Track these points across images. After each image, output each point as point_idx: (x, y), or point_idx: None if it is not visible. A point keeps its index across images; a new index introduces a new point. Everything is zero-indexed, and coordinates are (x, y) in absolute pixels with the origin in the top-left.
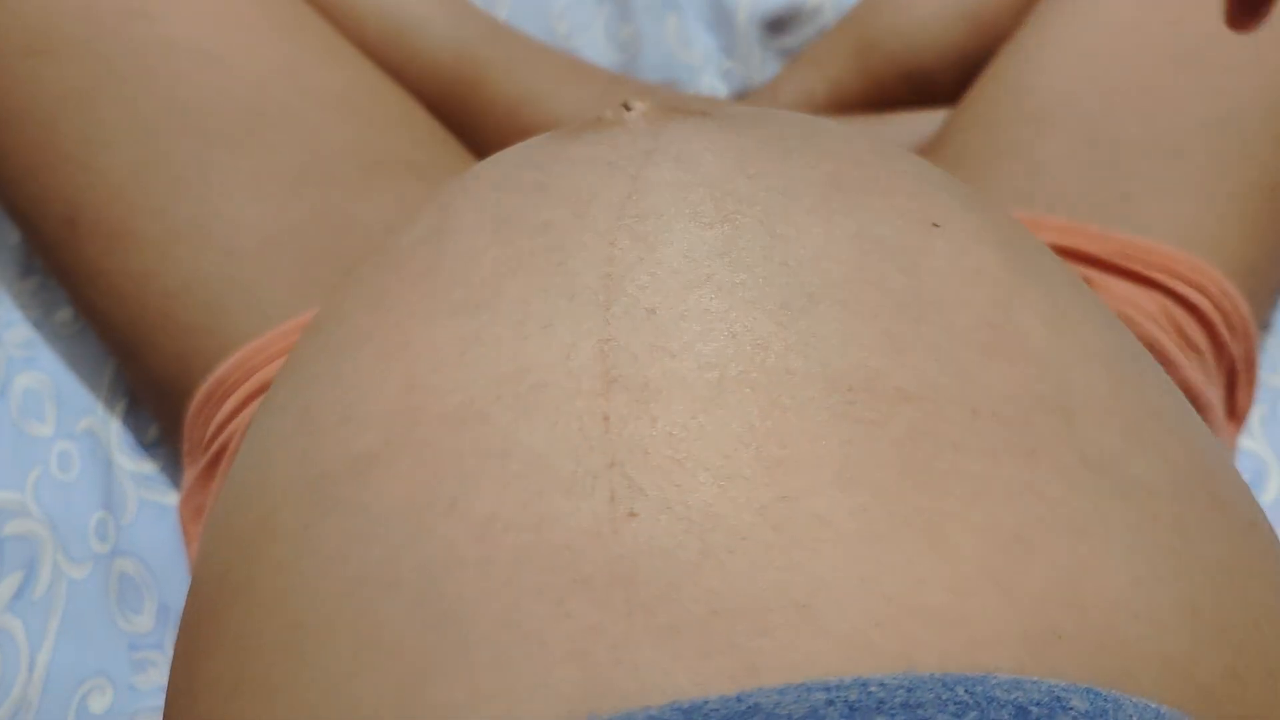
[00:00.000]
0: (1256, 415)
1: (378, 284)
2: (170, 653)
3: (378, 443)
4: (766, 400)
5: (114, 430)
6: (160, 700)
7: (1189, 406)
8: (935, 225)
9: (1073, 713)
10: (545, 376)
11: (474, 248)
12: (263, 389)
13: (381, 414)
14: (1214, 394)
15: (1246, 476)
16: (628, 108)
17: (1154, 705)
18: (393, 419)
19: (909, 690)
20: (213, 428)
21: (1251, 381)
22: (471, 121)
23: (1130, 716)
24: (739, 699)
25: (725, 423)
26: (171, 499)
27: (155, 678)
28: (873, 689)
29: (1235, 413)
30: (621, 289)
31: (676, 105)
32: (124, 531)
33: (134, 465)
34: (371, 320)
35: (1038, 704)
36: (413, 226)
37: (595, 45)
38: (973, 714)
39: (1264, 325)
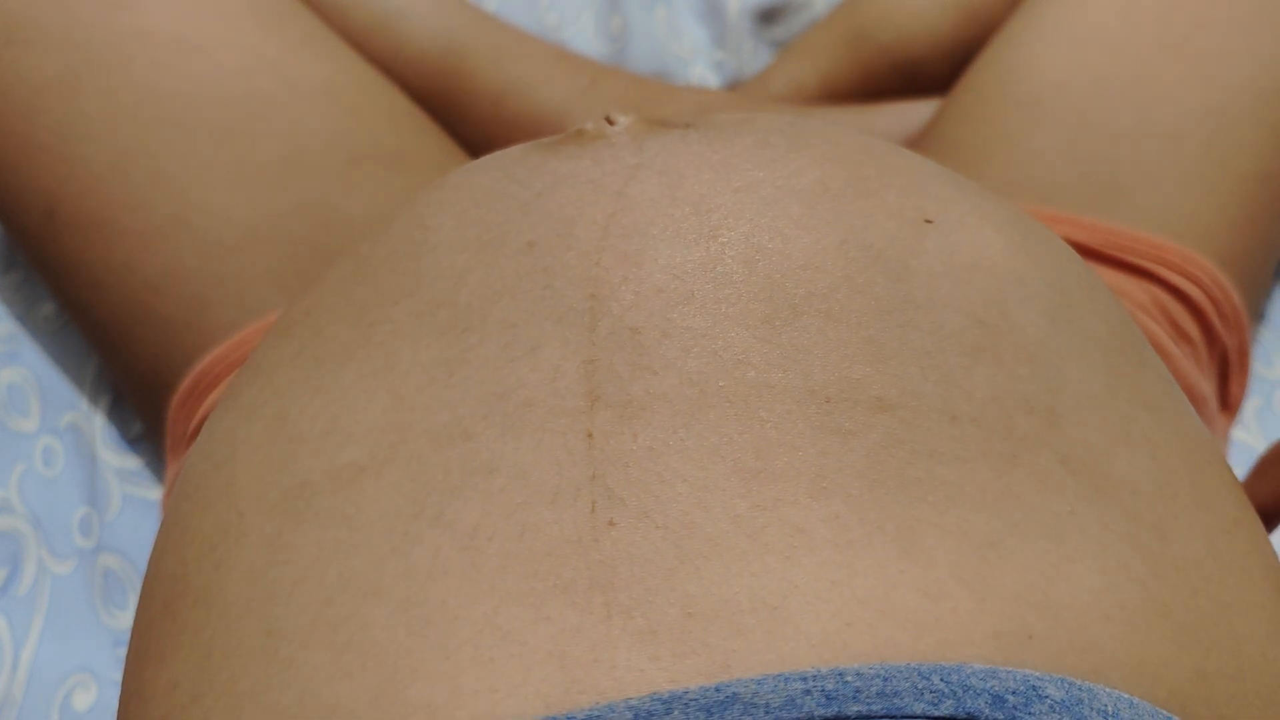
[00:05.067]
0: (1251, 407)
1: (357, 297)
2: None
3: (363, 456)
4: (745, 414)
5: (98, 425)
6: None
7: (1184, 399)
8: (927, 221)
9: (1049, 701)
10: (531, 396)
11: (456, 267)
12: None
13: (367, 429)
14: (1207, 385)
15: (1239, 469)
16: (611, 121)
17: (1127, 695)
18: (379, 434)
19: (885, 680)
20: (195, 422)
21: (1245, 372)
22: (457, 113)
23: (1105, 705)
24: (717, 689)
25: (704, 437)
26: (156, 494)
27: None
28: (849, 678)
29: (1228, 404)
30: (606, 309)
31: (660, 117)
32: (108, 527)
33: (118, 461)
34: (353, 335)
35: (1014, 692)
36: (388, 236)
37: (584, 36)
38: (949, 702)
39: (1258, 316)
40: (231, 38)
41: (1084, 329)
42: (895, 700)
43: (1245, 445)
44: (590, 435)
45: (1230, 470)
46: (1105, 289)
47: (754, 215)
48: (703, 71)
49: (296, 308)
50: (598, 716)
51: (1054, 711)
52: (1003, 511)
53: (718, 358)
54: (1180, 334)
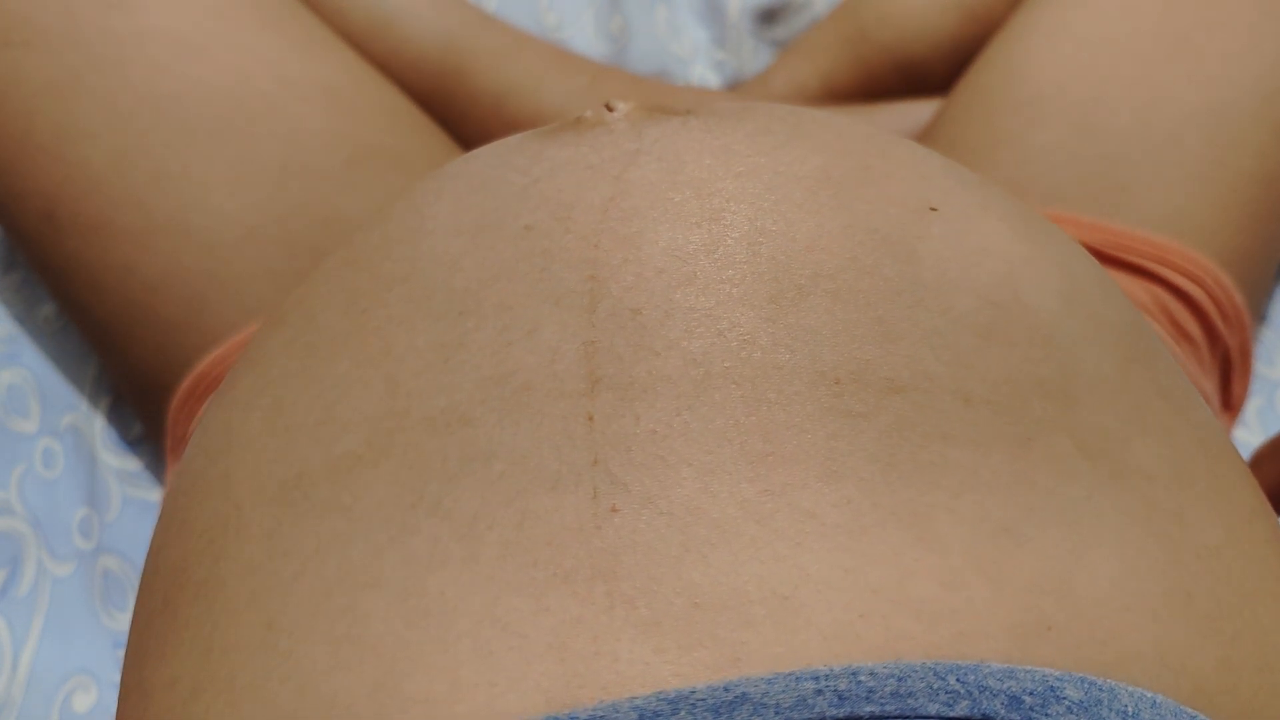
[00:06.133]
0: (1253, 407)
1: (350, 284)
2: None
3: (360, 444)
4: (752, 396)
5: (98, 426)
6: None
7: (1194, 389)
8: (932, 209)
9: (1067, 702)
10: (530, 379)
11: (451, 252)
12: None
13: (363, 417)
14: (1209, 385)
15: None
16: (610, 108)
17: (1149, 694)
18: (375, 422)
19: (899, 680)
20: (194, 423)
21: (1247, 372)
22: (457, 113)
23: (1125, 705)
24: (726, 688)
25: (709, 419)
26: (156, 495)
27: None
28: (862, 678)
29: (1231, 404)
30: (606, 291)
31: (659, 105)
32: (108, 529)
33: (118, 462)
34: (347, 323)
35: (1031, 693)
36: (384, 224)
37: (584, 36)
38: (964, 703)
39: (1260, 317)
40: (231, 38)
41: (1095, 314)
42: (909, 701)
43: (1247, 444)
44: (591, 418)
45: (1243, 460)
46: (1112, 281)
47: (756, 199)
48: (703, 71)
49: (290, 298)
50: (601, 717)
51: (1071, 713)
52: (1018, 497)
53: (723, 338)
54: (1182, 334)
